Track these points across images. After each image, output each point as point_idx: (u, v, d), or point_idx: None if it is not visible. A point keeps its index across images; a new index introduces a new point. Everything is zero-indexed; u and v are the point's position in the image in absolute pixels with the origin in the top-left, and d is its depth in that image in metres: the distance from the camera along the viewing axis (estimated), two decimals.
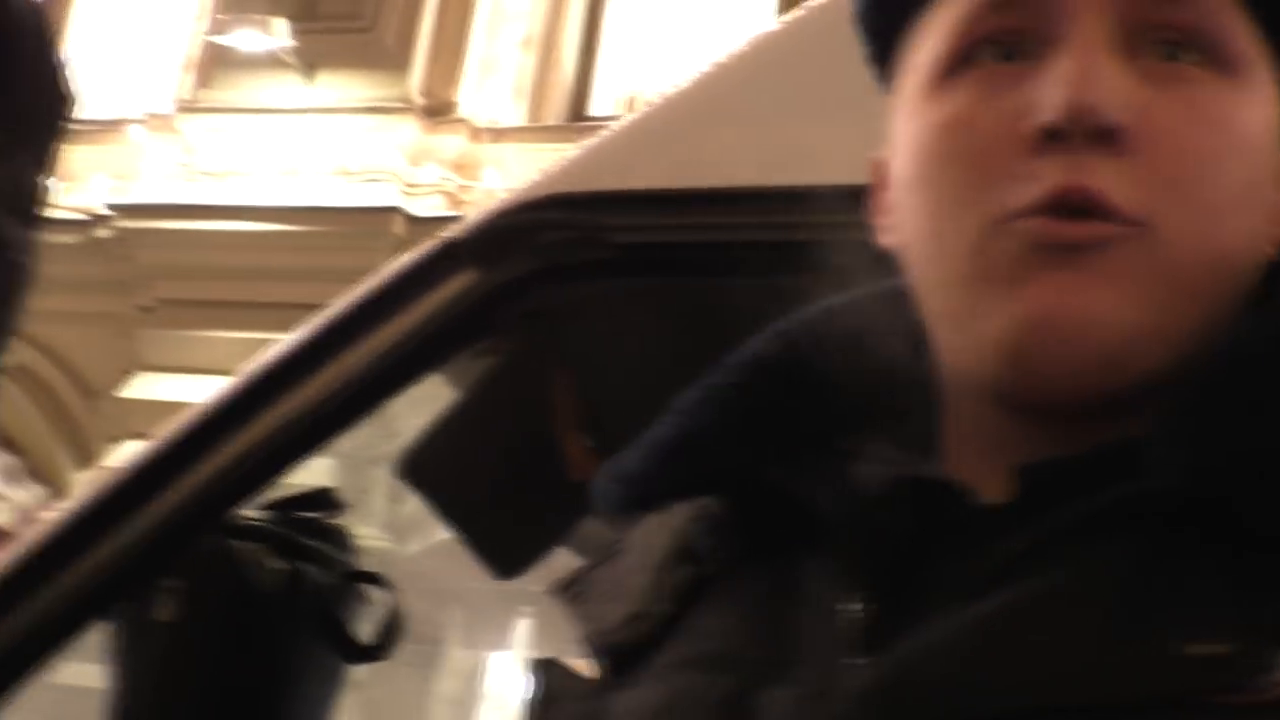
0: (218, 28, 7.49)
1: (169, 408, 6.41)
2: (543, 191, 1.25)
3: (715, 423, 0.69)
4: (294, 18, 7.28)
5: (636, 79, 7.89)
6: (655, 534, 0.70)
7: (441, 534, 1.55)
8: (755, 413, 0.69)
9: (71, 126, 0.92)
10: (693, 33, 7.85)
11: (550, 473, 1.36)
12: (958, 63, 0.63)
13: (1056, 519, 0.59)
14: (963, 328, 0.62)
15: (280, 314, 6.71)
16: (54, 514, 1.24)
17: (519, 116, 7.60)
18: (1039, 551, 0.58)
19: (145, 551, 1.25)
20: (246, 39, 7.36)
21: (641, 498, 0.70)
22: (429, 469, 1.37)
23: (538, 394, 1.33)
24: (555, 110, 7.71)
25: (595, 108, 7.78)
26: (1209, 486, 0.56)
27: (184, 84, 7.57)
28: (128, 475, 1.24)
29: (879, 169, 0.70)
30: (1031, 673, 0.55)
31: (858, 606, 0.61)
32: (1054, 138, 0.59)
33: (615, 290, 1.27)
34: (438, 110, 7.40)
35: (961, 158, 0.62)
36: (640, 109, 1.32)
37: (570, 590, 0.72)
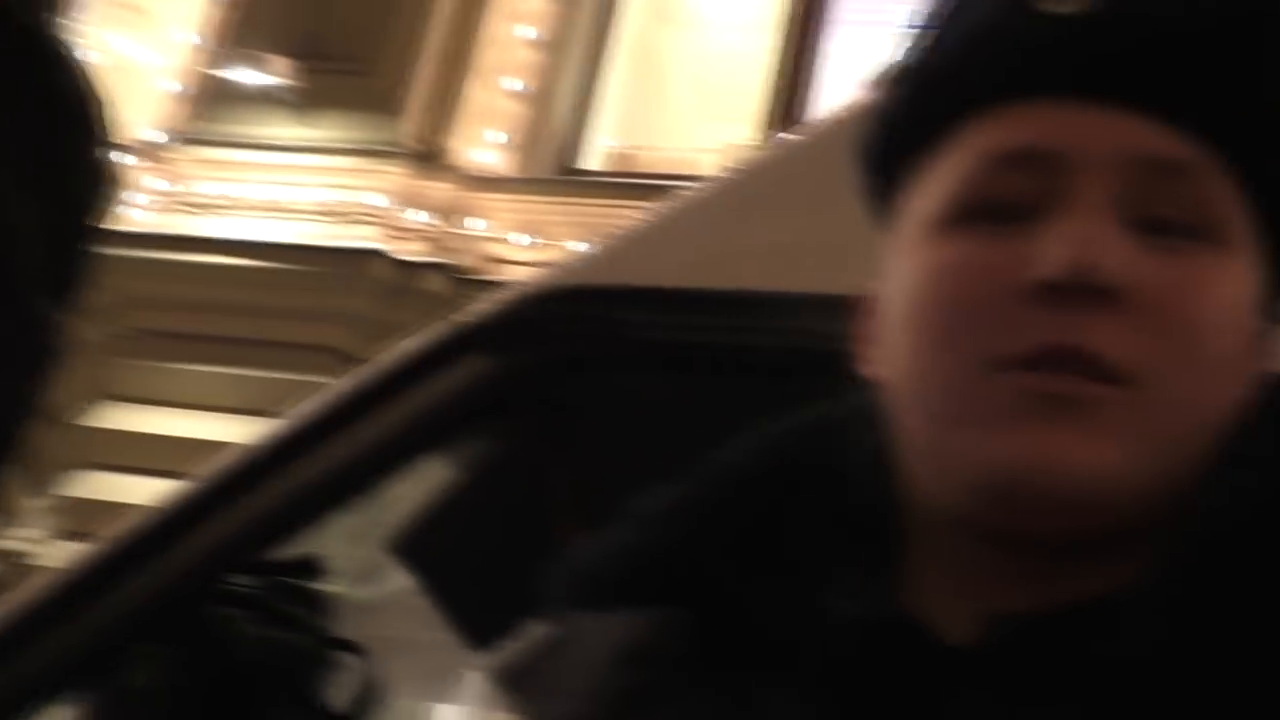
0: (217, 61, 7.51)
1: (132, 438, 6.31)
2: (562, 282, 1.26)
3: (685, 533, 0.69)
4: (294, 56, 7.31)
5: (628, 135, 7.95)
6: (605, 633, 0.69)
7: (397, 583, 1.54)
8: (728, 528, 0.69)
9: (111, 212, 0.92)
10: (688, 90, 7.93)
11: (542, 556, 1.36)
12: (962, 213, 0.65)
13: (1028, 673, 0.60)
14: (946, 465, 0.63)
15: (257, 351, 6.71)
16: (38, 582, 1.23)
17: (509, 167, 7.63)
18: (1008, 705, 0.59)
19: (131, 618, 1.24)
20: (245, 74, 7.37)
21: (597, 596, 0.70)
22: (424, 547, 1.36)
23: (540, 480, 1.33)
24: (545, 163, 7.75)
25: (585, 162, 7.83)
26: (1183, 655, 0.58)
27: (177, 114, 7.57)
28: (125, 537, 1.23)
29: (867, 299, 0.71)
30: None
31: None
32: (1053, 292, 0.61)
33: (627, 384, 1.28)
34: (428, 156, 7.42)
35: (957, 303, 0.64)
36: (665, 205, 1.33)
37: (512, 677, 0.70)
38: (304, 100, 7.34)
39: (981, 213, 0.65)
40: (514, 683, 0.70)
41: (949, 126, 0.67)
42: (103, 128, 0.90)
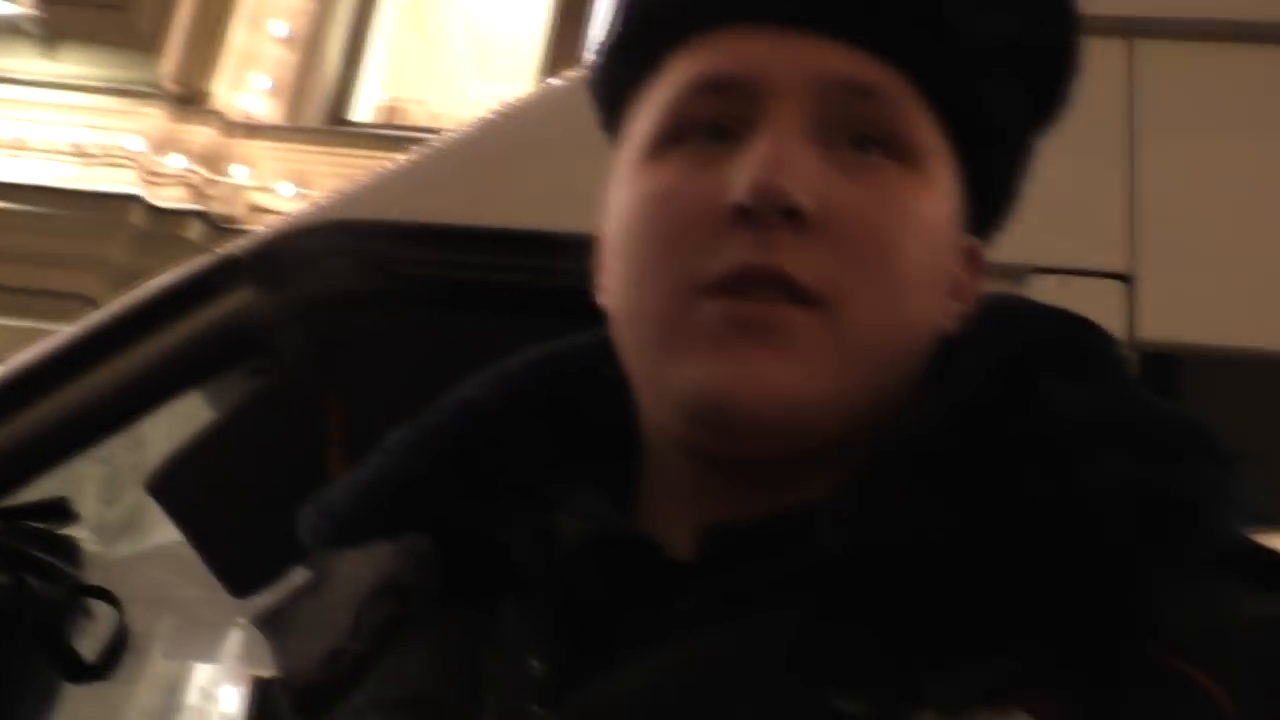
0: None
1: None
2: (329, 216, 1.24)
3: (423, 465, 0.71)
4: None
5: (398, 88, 7.82)
6: (360, 569, 0.69)
7: (154, 539, 1.51)
8: (462, 457, 0.71)
9: None
10: (460, 44, 7.84)
11: (308, 497, 1.35)
12: (668, 139, 0.68)
13: (734, 579, 0.63)
14: (658, 390, 0.66)
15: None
16: None
17: (275, 114, 7.39)
18: (715, 610, 0.62)
19: None
20: None
21: (347, 534, 0.70)
22: (182, 486, 1.33)
23: (305, 418, 1.31)
24: (313, 112, 7.54)
25: (354, 113, 7.66)
26: (869, 560, 0.60)
27: None
28: None
29: (600, 229, 0.73)
30: None
31: (543, 660, 0.64)
32: (745, 215, 0.63)
33: (393, 319, 1.27)
34: (188, 99, 7.12)
35: (662, 229, 0.66)
36: (432, 143, 1.33)
37: (272, 621, 0.71)
38: (50, 33, 6.94)
39: (686, 139, 0.67)
40: (273, 628, 0.70)
41: (659, 57, 0.70)
42: None
